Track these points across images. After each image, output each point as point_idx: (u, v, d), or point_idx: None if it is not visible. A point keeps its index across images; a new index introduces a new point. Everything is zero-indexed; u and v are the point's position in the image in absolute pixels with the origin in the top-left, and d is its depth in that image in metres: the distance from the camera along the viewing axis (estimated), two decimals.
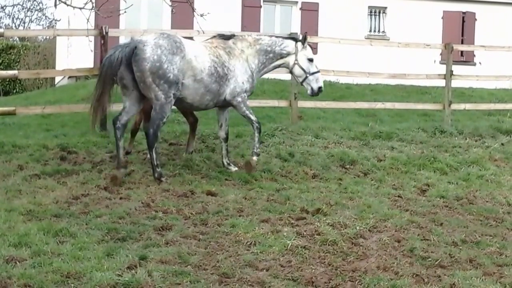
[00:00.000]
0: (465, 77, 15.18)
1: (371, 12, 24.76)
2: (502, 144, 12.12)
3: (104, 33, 11.64)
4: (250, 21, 23.33)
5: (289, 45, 9.70)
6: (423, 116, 14.77)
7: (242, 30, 22.21)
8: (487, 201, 8.91)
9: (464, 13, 24.99)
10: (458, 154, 11.33)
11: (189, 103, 9.14)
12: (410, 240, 6.90)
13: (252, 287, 5.46)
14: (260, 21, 23.90)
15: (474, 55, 24.19)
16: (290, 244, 6.50)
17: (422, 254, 6.51)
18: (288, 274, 5.81)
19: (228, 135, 9.71)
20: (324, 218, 7.44)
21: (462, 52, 23.37)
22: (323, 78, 9.92)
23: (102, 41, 11.70)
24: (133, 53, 8.60)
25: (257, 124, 9.47)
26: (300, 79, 9.76)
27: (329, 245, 6.62)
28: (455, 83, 14.80)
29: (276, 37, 9.94)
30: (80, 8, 9.27)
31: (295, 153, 10.68)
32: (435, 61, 21.62)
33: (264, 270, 5.85)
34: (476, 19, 25.07)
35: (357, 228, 7.17)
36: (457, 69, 17.21)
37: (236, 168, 9.44)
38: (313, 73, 9.66)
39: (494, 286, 5.64)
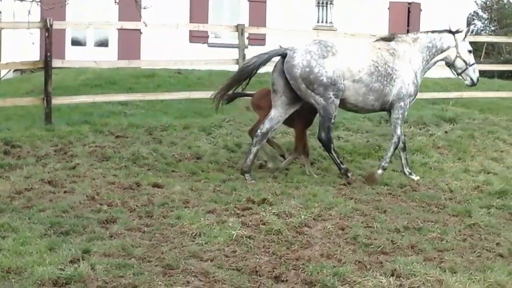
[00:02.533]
0: None
1: (318, 3, 24.94)
2: (446, 132, 12.36)
3: (48, 25, 11.46)
4: (198, 12, 23.28)
5: (448, 38, 9.65)
6: None
7: (191, 21, 22.16)
8: (429, 188, 9.06)
9: (409, 3, 25.38)
10: None
11: (353, 104, 9.16)
12: (354, 228, 6.97)
13: (196, 277, 5.46)
14: (208, 12, 23.86)
15: None
16: (235, 234, 6.51)
17: (365, 241, 6.58)
18: (233, 264, 5.83)
19: (406, 144, 9.71)
20: (270, 208, 7.47)
21: None
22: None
23: (47, 34, 11.52)
24: (283, 61, 8.88)
25: (396, 141, 9.32)
26: (460, 71, 9.77)
27: (274, 234, 6.65)
28: None
29: (432, 32, 9.76)
30: (21, 0, 9.11)
31: (243, 144, 10.71)
32: None
33: (209, 261, 5.85)
34: (421, 10, 25.50)
35: (302, 217, 7.22)
36: None
37: (418, 177, 9.37)
38: (472, 64, 9.74)
39: (434, 271, 5.73)
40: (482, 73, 26.62)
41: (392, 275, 5.66)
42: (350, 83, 8.95)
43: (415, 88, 9.42)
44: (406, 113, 9.44)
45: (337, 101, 8.93)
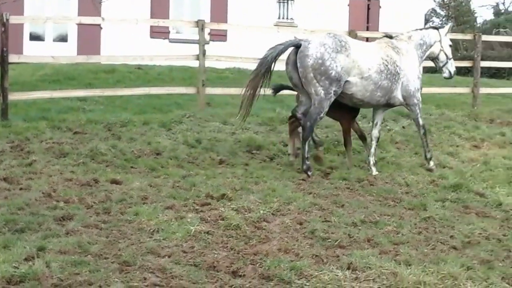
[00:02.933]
0: None
1: None
2: (403, 127, 12.53)
3: (4, 20, 11.29)
4: (159, 7, 23.14)
5: (434, 34, 10.24)
6: None
7: (151, 16, 22.04)
8: (387, 182, 9.14)
9: (369, 0, 25.58)
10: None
11: (359, 99, 9.44)
12: (312, 222, 7.01)
13: (153, 274, 5.43)
14: (169, 7, 23.74)
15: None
16: (193, 230, 6.51)
17: (322, 235, 6.63)
18: (190, 260, 5.82)
19: (380, 135, 10.15)
20: (229, 203, 7.50)
21: (367, 38, 23.90)
22: None
23: (3, 29, 11.35)
24: (297, 51, 9.15)
25: (423, 131, 10.02)
26: (441, 64, 10.39)
27: (232, 229, 6.67)
28: None
29: (421, 30, 10.50)
30: None
31: (203, 140, 10.71)
32: None
33: (166, 257, 5.83)
34: (380, 6, 25.70)
35: (261, 212, 7.25)
36: None
37: (377, 172, 9.52)
38: (450, 58, 10.43)
39: (389, 264, 5.80)
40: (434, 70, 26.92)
41: (348, 268, 5.72)
42: (359, 80, 9.26)
43: (420, 81, 9.94)
44: (421, 105, 9.97)
45: (333, 99, 9.19)
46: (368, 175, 9.36)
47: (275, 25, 22.58)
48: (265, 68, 9.21)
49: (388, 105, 9.88)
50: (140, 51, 17.97)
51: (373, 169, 9.58)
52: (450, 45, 10.49)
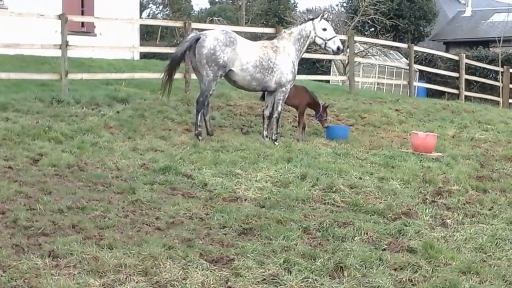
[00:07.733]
0: (81, 48, 15.34)
1: None
2: (118, 112, 12.55)
3: None
4: None
5: (308, 25, 12.11)
6: (41, 86, 14.59)
7: None
8: (97, 167, 9.07)
9: None
10: (74, 122, 11.44)
11: (240, 85, 11.90)
12: (15, 211, 6.76)
13: None
14: None
15: (95, 26, 24.44)
16: None
17: (25, 224, 6.42)
18: None
19: (272, 115, 11.93)
20: None
21: (83, 23, 23.55)
22: (339, 39, 12.55)
23: None
24: (197, 42, 11.28)
25: (277, 116, 11.97)
26: (323, 46, 12.30)
27: None
28: (73, 53, 14.91)
29: (300, 24, 12.36)
30: None
31: None
32: (56, 31, 21.18)
33: None
34: None
35: None
36: (77, 39, 17.29)
37: (276, 144, 11.52)
38: (330, 39, 12.13)
39: (91, 249, 5.78)
40: (156, 55, 27.56)
41: (49, 256, 5.61)
42: (239, 71, 11.45)
43: (293, 75, 11.97)
44: (286, 95, 12.03)
45: (219, 80, 11.57)
46: (79, 161, 9.23)
47: None
48: (175, 63, 11.50)
49: (267, 90, 11.94)
50: None
51: (266, 140, 11.70)
52: (324, 29, 12.10)
